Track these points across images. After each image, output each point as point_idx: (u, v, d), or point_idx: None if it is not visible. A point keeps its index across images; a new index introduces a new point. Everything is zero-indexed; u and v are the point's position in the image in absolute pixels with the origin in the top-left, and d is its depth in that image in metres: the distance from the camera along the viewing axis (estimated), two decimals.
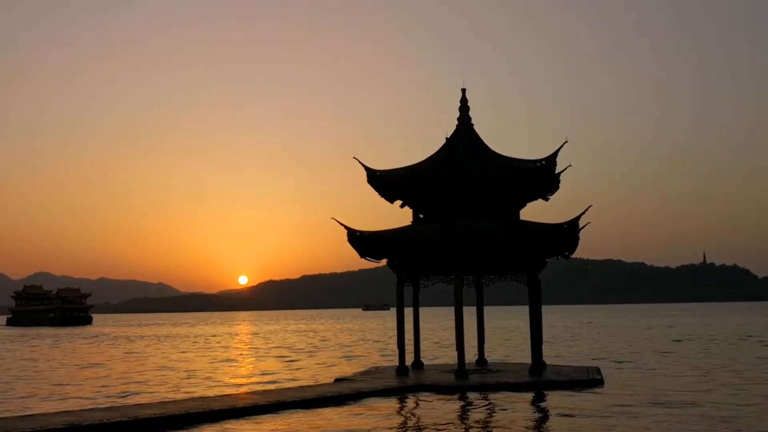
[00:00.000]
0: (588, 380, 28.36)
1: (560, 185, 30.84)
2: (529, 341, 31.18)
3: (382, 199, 31.93)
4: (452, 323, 30.75)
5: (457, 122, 32.33)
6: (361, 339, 74.78)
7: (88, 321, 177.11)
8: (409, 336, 32.06)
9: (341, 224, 30.54)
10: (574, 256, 30.37)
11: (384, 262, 31.50)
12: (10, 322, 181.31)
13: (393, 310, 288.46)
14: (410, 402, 24.78)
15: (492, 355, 40.83)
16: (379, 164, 31.58)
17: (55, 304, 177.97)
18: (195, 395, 27.48)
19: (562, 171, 30.27)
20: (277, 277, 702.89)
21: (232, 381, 34.39)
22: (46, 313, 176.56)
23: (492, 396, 25.43)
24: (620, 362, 39.45)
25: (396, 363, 32.55)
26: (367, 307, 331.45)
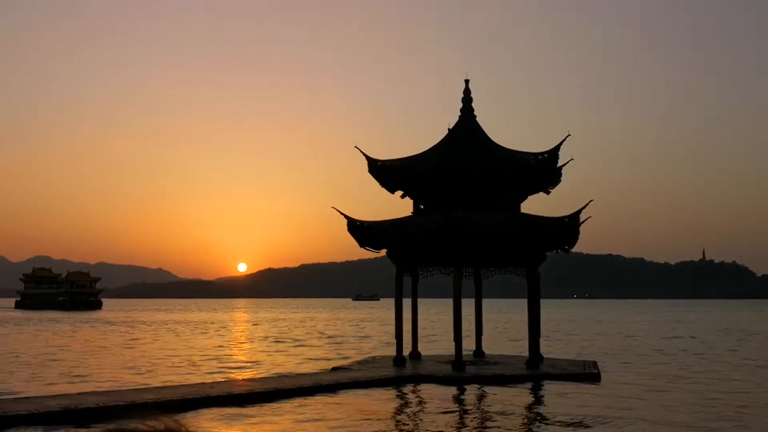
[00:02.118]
0: (585, 374, 28.38)
1: (562, 179, 30.81)
2: (526, 334, 31.19)
3: (383, 189, 31.87)
4: (451, 315, 30.73)
5: (459, 113, 32.26)
6: (355, 329, 74.86)
7: (97, 306, 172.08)
8: (407, 326, 32.06)
9: (341, 213, 30.50)
10: (573, 250, 30.36)
11: (384, 252, 31.48)
12: (19, 305, 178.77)
13: (383, 301, 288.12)
14: (406, 392, 24.80)
15: (489, 348, 40.83)
16: (381, 154, 31.60)
17: (65, 287, 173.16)
18: (192, 381, 27.51)
19: (564, 165, 30.23)
20: (275, 266, 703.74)
21: (229, 368, 34.42)
22: (55, 296, 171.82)
23: (488, 388, 25.45)
24: (617, 356, 39.47)
25: (393, 353, 32.56)
26: (357, 297, 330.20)
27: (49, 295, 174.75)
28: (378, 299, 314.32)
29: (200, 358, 39.04)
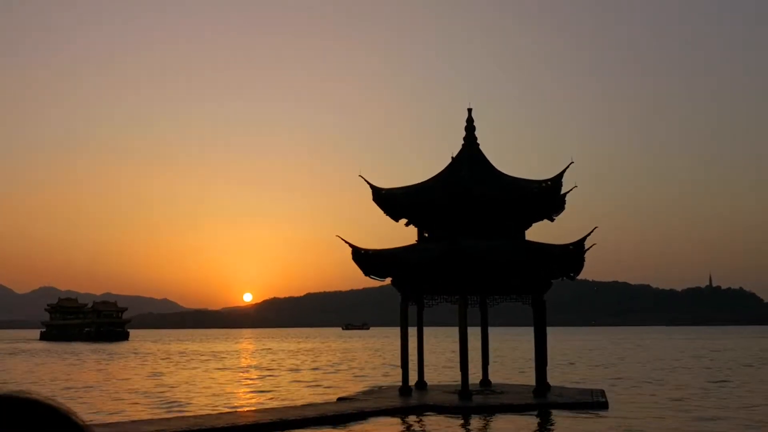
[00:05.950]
0: (592, 403, 28.12)
1: (566, 206, 30.80)
2: (533, 363, 30.98)
3: (388, 217, 31.89)
4: (456, 343, 30.54)
5: (462, 141, 32.35)
6: (355, 358, 74.44)
7: (124, 336, 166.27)
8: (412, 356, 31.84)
9: (346, 242, 30.50)
10: (579, 277, 30.27)
11: (389, 280, 31.41)
12: (44, 337, 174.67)
13: (373, 330, 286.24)
14: (412, 422, 24.59)
15: (496, 377, 40.54)
16: (385, 182, 31.62)
17: (91, 318, 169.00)
18: (197, 412, 27.31)
19: (568, 192, 30.24)
20: (281, 295, 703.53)
21: (234, 399, 34.19)
22: (81, 327, 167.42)
23: (495, 417, 25.23)
24: (624, 385, 39.11)
25: (399, 382, 32.34)
26: (348, 327, 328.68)
27: (75, 326, 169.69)
28: (368, 328, 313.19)
29: (204, 389, 38.79)
